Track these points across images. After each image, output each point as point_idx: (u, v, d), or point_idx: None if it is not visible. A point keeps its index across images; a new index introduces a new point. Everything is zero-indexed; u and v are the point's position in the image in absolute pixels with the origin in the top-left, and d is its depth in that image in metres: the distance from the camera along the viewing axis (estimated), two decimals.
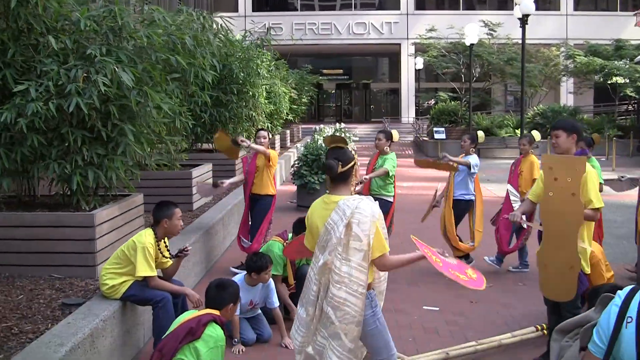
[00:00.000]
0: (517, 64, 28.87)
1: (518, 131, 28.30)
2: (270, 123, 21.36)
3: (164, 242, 6.02)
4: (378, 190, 9.05)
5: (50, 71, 6.62)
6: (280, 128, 23.37)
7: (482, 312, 7.45)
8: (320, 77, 53.04)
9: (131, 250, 5.74)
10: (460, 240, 9.19)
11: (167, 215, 5.86)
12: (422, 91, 41.06)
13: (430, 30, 33.11)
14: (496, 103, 37.35)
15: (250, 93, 15.98)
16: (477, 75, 32.39)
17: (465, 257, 9.26)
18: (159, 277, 5.98)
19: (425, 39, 33.83)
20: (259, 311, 6.61)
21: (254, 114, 17.60)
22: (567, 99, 37.49)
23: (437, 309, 7.54)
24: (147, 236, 5.78)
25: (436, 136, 28.17)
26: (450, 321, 7.13)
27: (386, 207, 8.91)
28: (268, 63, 19.10)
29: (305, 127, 35.46)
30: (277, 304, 6.52)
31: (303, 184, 14.23)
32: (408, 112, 41.89)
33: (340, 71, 54.82)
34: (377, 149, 9.23)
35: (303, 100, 31.71)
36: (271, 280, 6.52)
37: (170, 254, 6.07)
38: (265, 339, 6.45)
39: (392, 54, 45.90)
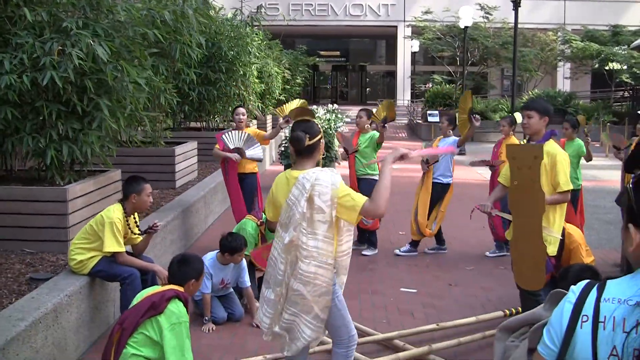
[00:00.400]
0: (512, 48, 28.66)
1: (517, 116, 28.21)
2: (262, 103, 21.22)
3: (134, 218, 5.95)
4: (363, 170, 8.95)
5: (25, 44, 6.51)
6: (272, 108, 23.21)
7: (460, 295, 7.39)
8: (318, 59, 53.09)
9: (99, 225, 5.68)
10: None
11: (135, 191, 5.78)
12: (418, 74, 40.91)
13: (426, 12, 32.92)
14: (491, 87, 37.25)
15: (241, 72, 15.87)
16: (473, 59, 32.21)
17: (440, 243, 9.19)
18: (128, 253, 5.92)
19: (421, 21, 33.63)
20: (231, 290, 6.55)
21: (244, 93, 17.51)
22: (563, 84, 37.34)
23: (415, 291, 7.49)
24: (115, 211, 5.71)
25: (430, 119, 28.06)
26: (426, 303, 7.08)
27: (374, 185, 8.84)
28: (259, 42, 18.97)
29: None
30: (249, 283, 6.46)
31: (289, 164, 14.13)
32: (404, 95, 41.71)
33: (337, 53, 54.64)
34: (358, 127, 9.14)
35: (297, 81, 31.56)
36: (243, 260, 6.46)
37: (139, 230, 6.00)
38: (236, 318, 6.40)
39: (389, 37, 45.65)
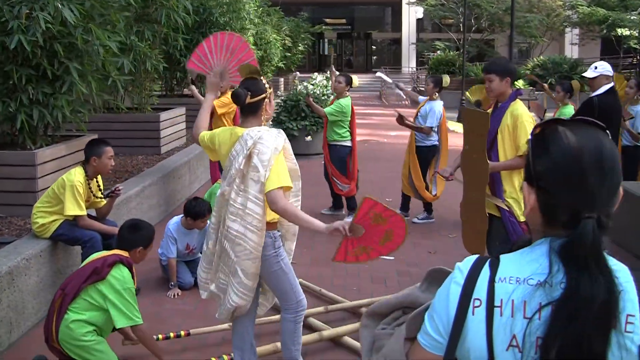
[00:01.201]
0: (516, 13, 28.26)
1: (518, 83, 27.91)
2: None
3: (97, 181, 5.88)
4: (333, 137, 8.84)
5: None
6: (270, 75, 23.09)
7: (439, 262, 7.25)
8: (325, 27, 52.78)
9: (61, 188, 5.62)
10: (427, 189, 9.02)
11: (96, 154, 5.71)
12: (422, 42, 40.49)
13: None
14: (495, 54, 36.83)
15: None
16: (477, 26, 31.82)
17: (428, 208, 9.11)
18: (92, 216, 5.87)
19: None
20: (199, 255, 6.49)
21: None
22: (572, 50, 36.89)
23: (392, 258, 7.39)
24: (77, 174, 5.64)
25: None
26: (402, 271, 7.01)
27: (342, 152, 8.84)
28: (256, 8, 18.79)
29: (305, 76, 35.05)
30: None
31: (282, 130, 14.02)
32: (409, 63, 41.40)
33: (344, 21, 54.21)
34: (335, 92, 8.97)
35: (299, 48, 31.39)
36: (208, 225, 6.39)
37: (102, 193, 5.93)
38: None
39: (394, 3, 45.19)
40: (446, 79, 9.14)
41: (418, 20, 38.85)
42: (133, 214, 7.57)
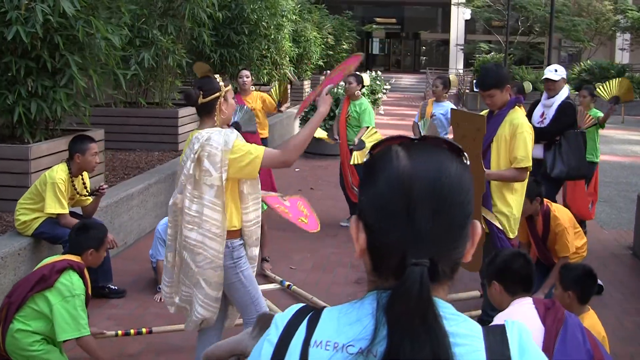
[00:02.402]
0: (563, 17, 27.69)
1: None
2: (296, 68, 20.87)
3: (82, 179, 5.71)
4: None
5: None
6: (310, 73, 22.86)
7: None
8: (375, 26, 52.42)
9: (42, 185, 5.49)
10: None
11: (79, 150, 5.55)
12: (468, 43, 39.79)
13: None
14: (542, 57, 35.97)
15: (271, 35, 15.55)
16: (523, 28, 31.14)
17: None
18: (77, 215, 5.71)
19: None
20: None
21: (276, 56, 17.20)
22: (622, 56, 35.92)
23: None
24: (59, 171, 5.50)
25: (477, 89, 27.32)
26: None
27: None
28: (294, 5, 18.57)
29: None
30: None
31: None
32: (456, 64, 40.79)
33: (394, 20, 53.79)
34: (347, 94, 8.65)
35: (343, 47, 31.06)
36: None
37: (87, 191, 5.77)
38: None
39: (444, 4, 44.57)
40: (453, 79, 8.79)
41: (467, 21, 38.21)
42: (134, 211, 7.42)
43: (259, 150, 3.66)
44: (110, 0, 7.12)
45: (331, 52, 27.89)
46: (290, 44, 18.47)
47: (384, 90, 26.34)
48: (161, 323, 5.40)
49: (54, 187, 5.40)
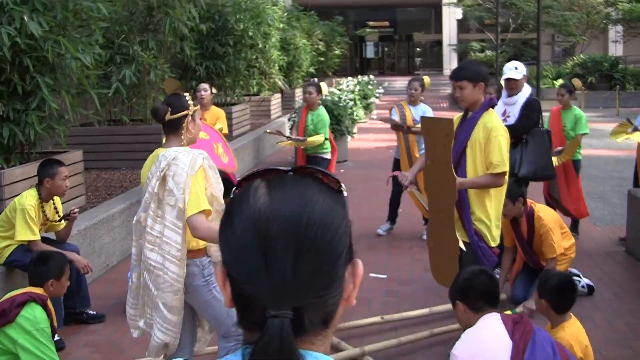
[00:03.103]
0: (554, 12, 27.55)
1: (557, 82, 27.09)
2: (285, 76, 20.76)
3: (53, 204, 5.58)
4: (313, 149, 8.48)
5: None
6: (300, 81, 22.74)
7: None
8: (368, 30, 52.33)
9: (12, 212, 5.37)
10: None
11: (49, 175, 5.42)
12: (463, 42, 39.70)
13: None
14: (532, 54, 35.82)
15: (259, 44, 15.46)
16: (514, 25, 31.02)
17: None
18: (51, 240, 5.59)
19: None
20: None
21: (265, 66, 17.11)
22: (615, 48, 35.76)
23: (384, 276, 6.98)
24: (28, 197, 5.38)
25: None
26: (391, 291, 6.58)
27: (324, 164, 8.49)
28: (280, 14, 18.48)
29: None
30: None
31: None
32: (450, 64, 40.66)
33: (387, 23, 53.73)
34: (307, 104, 8.61)
35: (335, 52, 30.99)
36: None
37: (59, 216, 5.63)
38: None
39: (436, 5, 44.53)
40: (427, 80, 8.55)
41: (459, 21, 38.12)
42: (117, 232, 7.29)
43: (196, 206, 3.53)
44: (81, 18, 6.99)
45: (323, 59, 27.81)
46: (278, 53, 18.38)
47: (377, 95, 26.23)
48: (138, 349, 5.25)
49: (23, 214, 5.28)
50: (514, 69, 6.55)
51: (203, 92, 8.51)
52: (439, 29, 43.82)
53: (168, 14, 10.46)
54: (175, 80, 4.03)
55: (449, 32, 40.57)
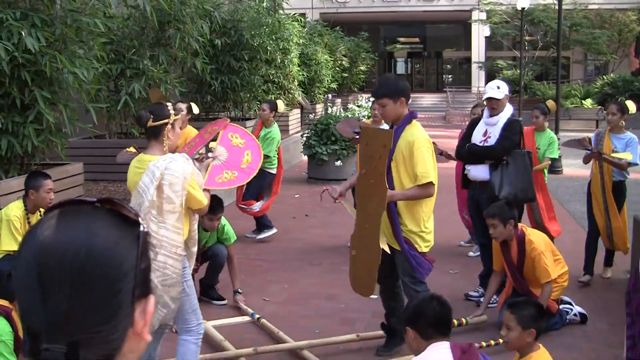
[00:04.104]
0: (583, 30, 27.31)
1: (586, 102, 26.87)
2: (306, 92, 20.85)
3: (40, 215, 5.66)
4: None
5: None
6: (321, 97, 22.80)
7: None
8: (399, 46, 52.31)
9: None
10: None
11: (33, 187, 5.51)
12: (491, 60, 39.51)
13: None
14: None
15: (277, 60, 15.56)
16: (542, 43, 30.76)
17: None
18: None
19: (485, 4, 32.41)
20: None
21: (284, 81, 17.20)
22: None
23: (376, 296, 6.91)
24: (14, 208, 5.48)
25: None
26: (378, 311, 6.48)
27: (269, 178, 8.86)
28: (300, 29, 18.57)
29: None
30: None
31: (312, 154, 13.65)
32: (478, 82, 40.47)
33: (417, 40, 53.68)
34: (261, 119, 9.00)
35: (361, 68, 31.04)
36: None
37: None
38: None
39: (465, 22, 44.43)
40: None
41: (487, 38, 37.92)
42: None
43: (203, 197, 4.12)
44: (81, 34, 7.10)
45: (346, 75, 27.85)
46: (298, 68, 18.46)
47: None
48: None
49: (8, 224, 5.38)
50: (496, 88, 6.45)
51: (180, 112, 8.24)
52: (468, 45, 43.68)
53: (179, 29, 10.58)
54: (159, 90, 4.24)
55: (478, 49, 40.38)
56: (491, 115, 6.50)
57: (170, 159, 3.93)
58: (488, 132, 6.51)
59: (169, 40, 10.81)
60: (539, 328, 4.86)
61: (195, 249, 4.41)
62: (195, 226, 4.33)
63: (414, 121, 4.89)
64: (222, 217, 6.56)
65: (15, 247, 5.38)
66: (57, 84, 6.87)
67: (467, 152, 6.61)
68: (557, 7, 29.43)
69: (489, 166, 6.40)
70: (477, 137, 6.57)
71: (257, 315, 6.20)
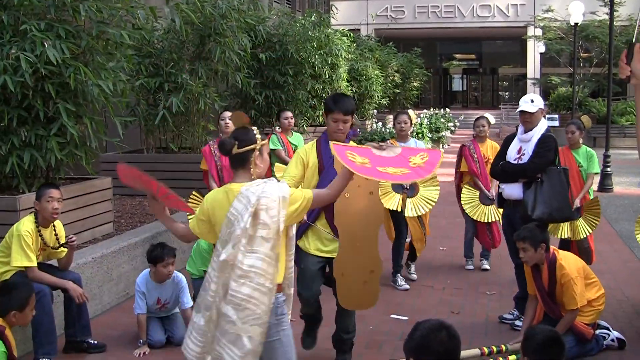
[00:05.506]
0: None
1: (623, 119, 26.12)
2: (355, 107, 20.64)
3: (54, 230, 5.51)
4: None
5: None
6: (372, 112, 22.55)
7: (457, 325, 6.47)
8: (455, 62, 51.91)
9: (10, 237, 5.33)
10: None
11: (37, 197, 5.38)
12: (546, 76, 38.81)
13: (547, 11, 30.99)
14: (616, 88, 34.59)
15: (325, 75, 15.39)
16: (596, 60, 30.02)
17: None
18: (53, 267, 5.53)
19: (540, 19, 31.81)
20: (175, 311, 6.01)
21: None
22: None
23: (406, 318, 6.63)
24: (25, 223, 5.33)
25: (549, 123, 26.31)
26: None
27: None
28: (349, 44, 18.38)
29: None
30: (189, 304, 5.85)
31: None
32: None
33: (473, 56, 53.22)
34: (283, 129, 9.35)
35: (413, 84, 30.74)
36: (183, 278, 5.91)
37: (58, 243, 5.55)
38: (176, 342, 5.82)
39: (520, 38, 43.85)
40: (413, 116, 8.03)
41: (542, 54, 37.26)
42: (138, 261, 7.21)
43: (308, 193, 3.75)
44: (108, 46, 7.00)
45: (399, 90, 27.58)
46: (347, 84, 18.26)
47: (452, 128, 25.81)
48: None
49: (19, 240, 5.23)
50: (530, 102, 6.12)
51: (228, 120, 7.86)
52: (524, 62, 43.02)
53: (219, 43, 10.46)
54: (242, 112, 3.88)
55: (534, 66, 39.73)
56: (525, 131, 6.18)
57: (264, 182, 3.68)
58: (522, 149, 6.19)
59: (209, 54, 10.70)
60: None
61: (291, 291, 4.00)
62: (292, 264, 3.94)
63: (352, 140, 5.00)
64: None
65: (26, 263, 5.25)
66: (81, 96, 6.76)
67: (501, 171, 6.31)
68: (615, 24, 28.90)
69: (523, 184, 6.08)
70: (511, 155, 6.27)
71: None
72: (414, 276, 8.00)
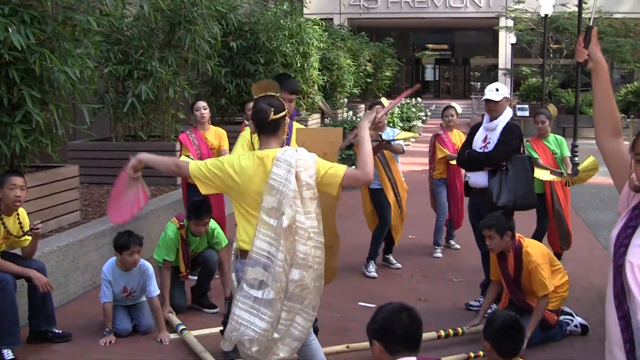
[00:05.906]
0: (607, 39, 26.71)
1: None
2: (327, 97, 20.63)
3: (17, 218, 5.44)
4: None
5: None
6: (343, 102, 22.54)
7: (423, 312, 6.50)
8: (428, 52, 52.03)
9: None
10: None
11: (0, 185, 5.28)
12: (517, 67, 39.06)
13: (518, 2, 31.11)
14: (584, 79, 34.79)
15: (297, 64, 15.33)
16: (566, 51, 30.21)
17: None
18: (16, 255, 5.47)
19: (511, 11, 31.95)
20: (142, 299, 5.97)
21: (304, 86, 17.00)
22: None
23: (374, 306, 6.65)
24: None
25: (519, 113, 26.42)
26: None
27: None
28: (321, 33, 18.35)
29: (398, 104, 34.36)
30: (156, 292, 5.81)
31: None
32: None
33: (445, 46, 53.39)
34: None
35: (385, 74, 30.78)
36: (150, 266, 5.87)
37: (22, 231, 5.47)
38: (142, 330, 5.82)
39: (492, 29, 44.06)
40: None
41: (513, 45, 37.47)
42: (106, 249, 7.15)
43: (340, 168, 3.80)
44: (76, 32, 6.90)
45: (371, 80, 27.58)
46: (318, 72, 18.23)
47: (423, 118, 25.88)
48: None
49: None
50: (495, 91, 6.17)
51: (203, 110, 7.82)
52: (496, 53, 43.21)
53: (190, 31, 10.38)
54: (267, 82, 3.87)
55: (505, 57, 39.94)
56: (491, 120, 6.23)
57: (293, 148, 3.81)
58: (488, 137, 6.24)
59: (179, 42, 10.61)
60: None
61: None
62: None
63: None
64: (212, 221, 6.33)
65: None
66: (47, 83, 6.66)
67: (467, 159, 6.35)
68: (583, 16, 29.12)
69: (488, 172, 6.13)
70: (477, 143, 6.32)
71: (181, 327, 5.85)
72: (399, 265, 8.05)
